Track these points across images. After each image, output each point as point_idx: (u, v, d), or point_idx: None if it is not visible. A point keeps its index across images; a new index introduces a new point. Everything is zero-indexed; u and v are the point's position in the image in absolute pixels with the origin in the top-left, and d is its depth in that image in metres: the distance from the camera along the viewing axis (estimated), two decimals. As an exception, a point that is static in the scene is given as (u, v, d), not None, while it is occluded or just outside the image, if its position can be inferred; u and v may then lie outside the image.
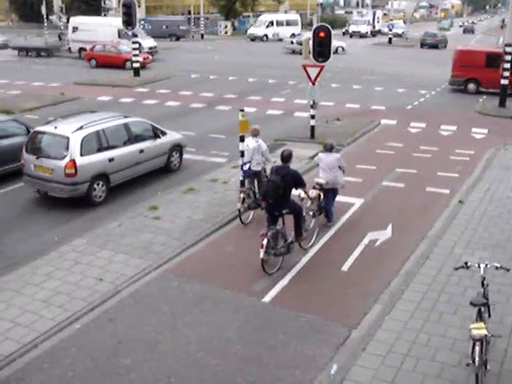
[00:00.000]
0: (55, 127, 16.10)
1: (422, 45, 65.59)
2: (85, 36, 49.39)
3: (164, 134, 18.24)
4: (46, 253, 13.11)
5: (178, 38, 68.63)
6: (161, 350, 9.75)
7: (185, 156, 19.28)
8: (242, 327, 10.39)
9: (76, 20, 52.79)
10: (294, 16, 78.78)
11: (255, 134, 15.10)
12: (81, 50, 49.61)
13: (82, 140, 15.61)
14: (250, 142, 14.98)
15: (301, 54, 43.93)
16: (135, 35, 37.58)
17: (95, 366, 9.38)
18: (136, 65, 37.98)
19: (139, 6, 41.68)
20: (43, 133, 16.38)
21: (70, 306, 11.00)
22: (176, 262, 12.75)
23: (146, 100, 31.02)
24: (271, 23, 74.34)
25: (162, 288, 11.67)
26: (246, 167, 15.04)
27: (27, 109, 28.24)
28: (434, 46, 64.07)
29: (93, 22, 51.65)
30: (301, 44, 45.93)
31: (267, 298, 11.31)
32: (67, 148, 15.45)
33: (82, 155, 15.51)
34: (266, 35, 72.41)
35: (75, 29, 51.12)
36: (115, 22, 48.73)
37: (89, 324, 10.53)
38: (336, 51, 47.97)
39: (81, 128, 15.82)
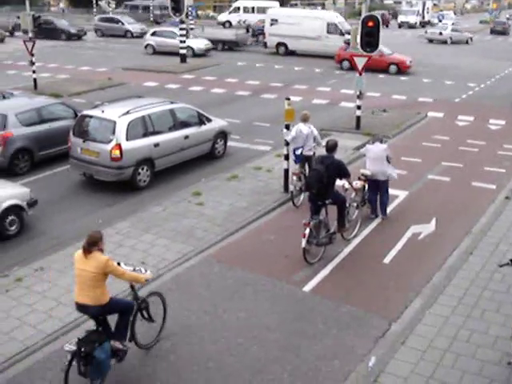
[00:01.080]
0: (102, 111, 16.29)
1: (492, 31, 69.35)
2: (286, 30, 44.21)
3: (209, 120, 18.31)
4: (90, 235, 13.31)
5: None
6: (200, 335, 9.84)
7: (229, 143, 19.33)
8: (281, 315, 10.42)
9: (275, 12, 47.79)
10: (271, 3, 76.68)
11: (305, 119, 15.15)
12: (279, 45, 45.02)
13: (129, 124, 15.78)
14: (303, 128, 15.00)
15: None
16: (182, 22, 37.75)
17: (136, 349, 9.49)
18: (183, 51, 38.15)
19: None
20: (90, 116, 16.60)
21: (113, 287, 11.11)
22: (218, 248, 12.84)
23: (192, 86, 31.14)
24: (237, 9, 71.87)
25: (203, 273, 11.76)
26: (298, 152, 15.10)
27: (74, 92, 28.68)
28: (502, 33, 68.21)
29: (297, 15, 45.71)
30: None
31: (308, 288, 11.31)
32: (113, 132, 15.64)
33: (127, 140, 15.68)
34: (229, 21, 69.83)
35: (274, 21, 45.05)
36: (326, 15, 46.28)
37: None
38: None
39: (127, 113, 15.99)
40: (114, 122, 15.72)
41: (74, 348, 8.06)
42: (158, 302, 9.71)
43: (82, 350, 8.05)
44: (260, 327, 10.05)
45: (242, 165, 17.92)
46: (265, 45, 46.64)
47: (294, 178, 14.99)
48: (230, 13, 71.23)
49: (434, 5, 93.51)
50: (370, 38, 20.76)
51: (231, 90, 30.30)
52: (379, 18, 20.95)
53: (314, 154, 15.02)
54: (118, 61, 39.82)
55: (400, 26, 76.22)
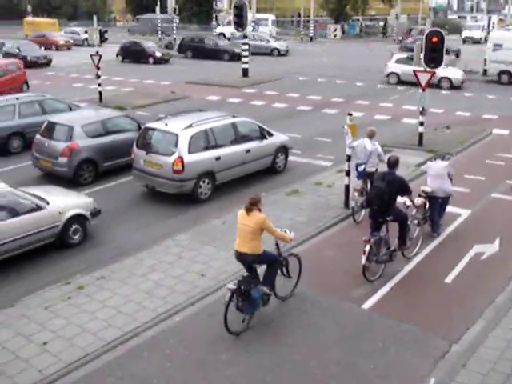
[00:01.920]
0: (165, 124, 16.53)
1: None
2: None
3: (270, 135, 18.37)
4: (151, 245, 13.53)
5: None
6: (257, 349, 9.83)
7: (290, 158, 19.32)
8: (340, 332, 10.33)
9: (498, 35, 40.50)
10: (264, 16, 77.19)
11: (371, 135, 15.02)
12: (502, 73, 38.20)
13: (191, 138, 15.97)
14: (368, 144, 14.89)
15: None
16: (245, 36, 38.08)
17: (193, 358, 9.58)
18: (245, 66, 38.46)
19: (250, 8, 42.02)
20: (154, 129, 16.87)
21: (172, 298, 11.28)
22: (276, 262, 12.80)
23: (254, 101, 31.34)
24: (229, 22, 72.22)
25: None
26: (361, 168, 15.01)
27: (138, 105, 29.24)
28: None
29: None
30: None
31: (367, 305, 11.18)
32: (176, 145, 15.85)
33: (189, 153, 15.86)
34: (223, 34, 71.11)
35: (497, 46, 38.11)
36: None
37: (189, 317, 10.78)
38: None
39: (190, 126, 16.19)
40: (177, 135, 15.94)
41: (234, 287, 9.97)
42: (296, 262, 11.29)
43: (242, 288, 10.00)
44: (318, 343, 9.98)
45: (302, 180, 17.89)
46: (484, 72, 40.13)
47: (356, 193, 14.88)
48: (223, 25, 73.80)
49: (500, 20, 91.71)
50: (434, 54, 20.51)
51: (292, 104, 30.36)
52: (443, 33, 20.68)
53: (376, 170, 14.89)
54: (180, 74, 40.40)
55: (464, 41, 75.01)
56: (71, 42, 62.23)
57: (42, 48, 52.23)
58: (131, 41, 54.15)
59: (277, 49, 56.28)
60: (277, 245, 10.89)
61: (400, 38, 67.62)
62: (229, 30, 69.93)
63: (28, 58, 43.43)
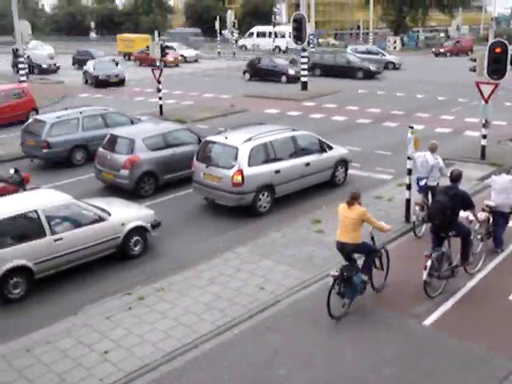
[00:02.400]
0: (225, 137, 16.66)
1: None
2: None
3: (330, 148, 18.29)
4: (210, 258, 13.61)
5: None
6: (316, 363, 9.76)
7: (350, 171, 19.19)
8: (399, 348, 10.16)
9: None
10: (283, 28, 76.81)
11: (433, 148, 14.79)
12: None
13: (251, 151, 16.05)
14: (429, 158, 14.67)
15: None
16: (304, 50, 38.11)
17: (251, 372, 9.57)
18: (304, 79, 38.46)
19: (309, 21, 41.98)
20: (214, 142, 17.01)
21: (230, 311, 11.30)
22: (337, 276, 12.69)
23: (313, 114, 31.29)
24: (251, 34, 77.18)
25: (321, 301, 11.62)
26: (422, 182, 14.80)
27: (198, 119, 29.55)
28: None
29: None
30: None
31: (427, 322, 10.96)
32: (236, 158, 15.94)
33: (249, 166, 15.94)
34: (245, 46, 73.95)
35: None
36: None
37: (247, 331, 10.76)
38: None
39: (250, 139, 16.27)
40: (237, 148, 16.03)
41: (337, 273, 10.78)
42: (384, 255, 12.03)
43: (344, 274, 10.85)
44: (377, 359, 9.83)
45: (362, 193, 17.42)
46: None
47: (417, 208, 14.64)
48: (245, 38, 76.04)
49: None
50: (497, 65, 20.10)
51: (352, 117, 30.19)
52: (507, 44, 20.25)
53: (438, 184, 14.64)
54: (240, 88, 40.68)
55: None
56: (179, 58, 60.30)
57: (135, 64, 53.79)
58: (258, 57, 50.17)
59: (392, 62, 53.59)
60: (372, 238, 11.65)
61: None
62: (249, 42, 71.70)
63: (99, 76, 43.30)
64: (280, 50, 73.03)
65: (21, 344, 10.49)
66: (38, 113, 29.61)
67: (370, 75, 45.86)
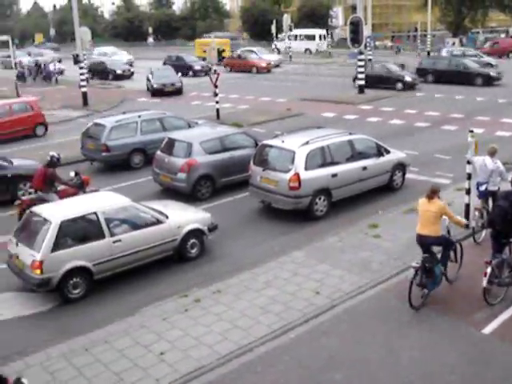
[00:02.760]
0: (282, 141, 16.66)
1: None
2: None
3: (387, 152, 18.09)
4: (266, 261, 13.62)
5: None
6: (371, 369, 9.66)
7: (407, 175, 18.93)
8: (457, 356, 9.95)
9: None
10: (313, 31, 77.72)
11: (492, 152, 14.43)
12: None
13: (308, 155, 16.00)
14: (488, 162, 14.34)
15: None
16: (361, 53, 37.83)
17: (307, 376, 9.53)
18: (361, 82, 38.17)
19: (366, 24, 41.52)
20: (271, 146, 17.04)
21: (286, 315, 11.28)
22: (394, 281, 12.52)
23: (370, 117, 30.99)
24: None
25: (377, 307, 11.56)
26: (482, 187, 14.49)
27: (255, 122, 29.63)
28: None
29: None
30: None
31: (487, 330, 10.69)
32: (293, 162, 15.92)
33: (306, 169, 15.89)
34: (278, 49, 73.66)
35: None
36: None
37: (303, 335, 10.72)
38: None
39: (307, 143, 16.24)
40: (294, 152, 16.01)
41: (418, 265, 11.23)
42: (459, 248, 12.42)
43: (426, 265, 11.33)
44: (434, 367, 9.65)
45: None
46: None
47: (476, 213, 14.33)
48: (278, 40, 76.03)
49: None
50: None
51: (410, 121, 29.77)
52: None
53: (499, 188, 14.31)
54: (296, 91, 40.62)
55: None
56: (272, 63, 57.74)
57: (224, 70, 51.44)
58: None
59: (490, 64, 47.87)
60: (448, 231, 12.03)
61: None
62: (281, 45, 72.31)
63: (154, 85, 41.80)
64: (311, 52, 75.20)
65: (80, 343, 10.72)
66: (46, 128, 29.84)
67: (488, 81, 42.24)
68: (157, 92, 41.37)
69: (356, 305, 11.68)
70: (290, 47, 66.74)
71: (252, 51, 61.15)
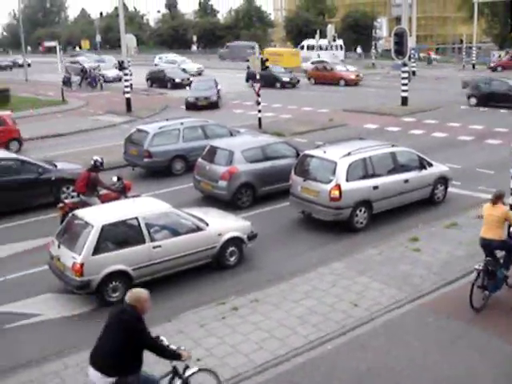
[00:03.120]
0: (324, 152, 16.63)
1: None
2: None
3: (430, 165, 17.91)
4: (305, 272, 13.58)
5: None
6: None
7: (450, 189, 18.71)
8: (495, 375, 9.72)
9: None
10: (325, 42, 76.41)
11: None
12: None
13: (349, 166, 15.95)
14: None
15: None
16: (405, 64, 37.57)
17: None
18: (404, 94, 37.88)
19: (410, 35, 41.18)
20: (312, 156, 17.01)
21: (324, 326, 11.22)
22: (433, 296, 12.36)
23: (413, 130, 30.71)
24: (302, 47, 78.41)
25: (415, 322, 11.41)
26: None
27: (296, 132, 29.63)
28: None
29: None
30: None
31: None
32: (334, 173, 15.87)
33: (347, 181, 15.83)
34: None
35: None
36: None
37: (340, 347, 10.63)
38: None
39: (348, 154, 16.17)
40: (335, 163, 15.97)
41: (480, 268, 11.40)
42: None
43: (489, 268, 11.50)
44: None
45: (462, 212, 17.19)
46: None
47: None
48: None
49: None
50: None
51: (453, 134, 29.43)
52: None
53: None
54: (338, 102, 40.52)
55: None
56: (361, 75, 54.63)
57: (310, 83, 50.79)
58: (485, 77, 42.85)
59: None
60: (510, 236, 12.29)
61: None
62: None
63: (188, 98, 39.46)
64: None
65: (118, 346, 10.79)
66: (20, 144, 27.83)
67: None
68: (190, 105, 38.92)
69: (394, 319, 11.55)
70: (307, 57, 67.13)
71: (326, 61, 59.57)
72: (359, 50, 74.80)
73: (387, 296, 12.32)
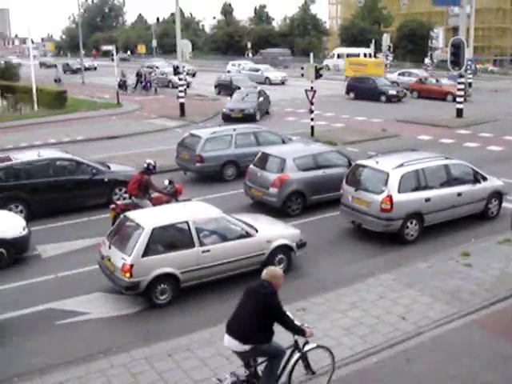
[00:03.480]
0: (376, 162, 16.50)
1: None
2: None
3: (484, 178, 17.58)
4: (352, 282, 13.45)
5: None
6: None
7: (504, 204, 18.31)
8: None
9: None
10: (357, 50, 76.27)
11: None
12: None
13: (401, 177, 15.77)
14: None
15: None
16: (461, 76, 37.03)
17: None
18: (459, 106, 37.32)
19: (467, 46, 40.45)
20: (364, 166, 16.90)
21: (370, 338, 11.09)
22: (484, 313, 12.07)
23: (467, 142, 30.18)
24: (333, 55, 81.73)
25: (465, 339, 11.18)
26: None
27: (348, 141, 29.47)
28: None
29: None
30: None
31: None
32: (386, 183, 15.73)
33: (399, 192, 15.66)
34: (328, 66, 75.39)
35: None
36: None
37: (386, 360, 10.49)
38: None
39: (401, 165, 16.00)
40: (387, 174, 15.82)
41: None
42: None
43: None
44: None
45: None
46: None
47: None
48: (327, 58, 79.90)
49: None
50: None
51: (509, 147, 28.80)
52: None
53: None
54: (392, 112, 40.13)
55: None
56: (470, 90, 48.15)
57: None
58: None
59: None
60: None
61: None
62: (331, 62, 72.65)
63: (224, 110, 37.19)
64: None
65: (163, 348, 10.89)
66: None
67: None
68: (225, 117, 36.52)
69: (443, 334, 11.33)
70: (338, 65, 67.33)
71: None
72: (427, 60, 72.83)
73: (436, 310, 12.11)
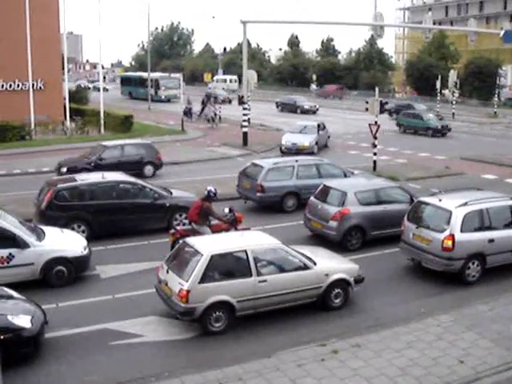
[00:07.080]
0: (439, 200, 16.24)
1: None
2: None
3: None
4: (410, 321, 13.20)
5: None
6: None
7: None
8: None
9: None
10: None
11: None
12: None
13: (465, 216, 15.48)
14: None
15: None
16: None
17: None
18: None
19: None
20: (427, 204, 16.66)
21: (426, 380, 10.84)
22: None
23: (535, 183, 29.44)
24: None
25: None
26: None
27: (411, 177, 29.12)
28: None
29: None
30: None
31: None
32: (448, 222, 15.45)
33: (462, 231, 15.36)
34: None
35: None
36: None
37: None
38: None
39: (465, 204, 15.71)
40: (450, 212, 15.55)
41: None
42: None
43: None
44: None
45: None
46: None
47: None
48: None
49: None
50: None
51: None
52: None
53: None
54: (456, 149, 39.52)
55: None
56: None
57: None
58: None
59: None
60: None
61: None
62: None
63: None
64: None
65: (215, 376, 10.88)
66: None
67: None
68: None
69: (502, 381, 10.97)
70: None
71: None
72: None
73: (495, 356, 11.74)
